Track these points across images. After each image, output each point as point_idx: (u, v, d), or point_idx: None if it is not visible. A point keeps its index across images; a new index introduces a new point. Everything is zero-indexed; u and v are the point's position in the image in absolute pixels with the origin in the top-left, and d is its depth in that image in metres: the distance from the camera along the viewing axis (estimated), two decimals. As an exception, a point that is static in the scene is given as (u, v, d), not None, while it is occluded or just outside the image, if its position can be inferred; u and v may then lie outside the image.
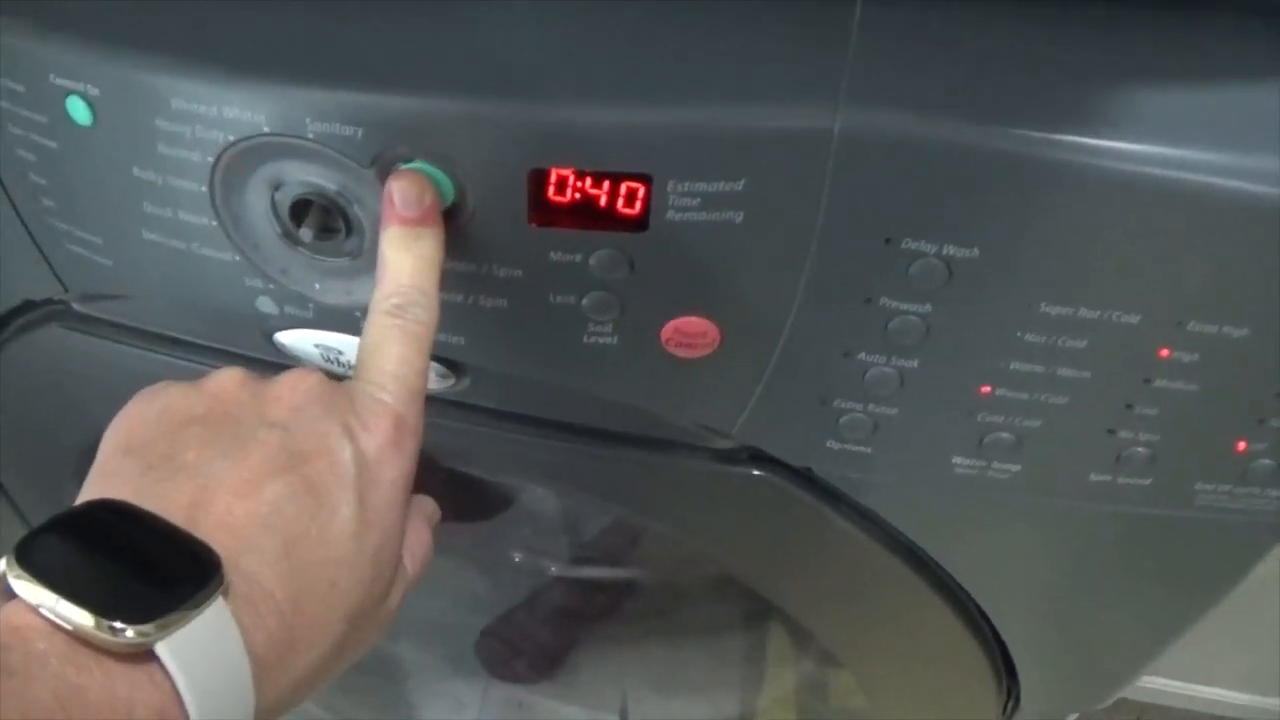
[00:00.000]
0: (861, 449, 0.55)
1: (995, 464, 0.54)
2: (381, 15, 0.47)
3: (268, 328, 0.57)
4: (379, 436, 0.44)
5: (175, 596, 0.35)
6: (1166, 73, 0.45)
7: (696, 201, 0.46)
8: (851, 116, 0.44)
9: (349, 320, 0.54)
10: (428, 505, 0.51)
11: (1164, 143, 0.43)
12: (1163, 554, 0.61)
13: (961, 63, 0.45)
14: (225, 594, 0.37)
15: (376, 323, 0.46)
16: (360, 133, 0.46)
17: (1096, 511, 0.57)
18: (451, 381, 0.57)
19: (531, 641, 1.11)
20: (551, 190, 0.47)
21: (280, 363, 0.60)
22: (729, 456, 0.60)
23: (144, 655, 0.34)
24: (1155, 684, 1.16)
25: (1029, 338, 0.49)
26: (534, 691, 1.15)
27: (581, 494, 0.68)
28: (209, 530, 0.38)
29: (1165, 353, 0.49)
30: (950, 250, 0.47)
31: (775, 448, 0.58)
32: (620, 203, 0.47)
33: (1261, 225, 0.44)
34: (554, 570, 1.05)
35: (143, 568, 0.36)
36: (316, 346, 0.57)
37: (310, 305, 0.54)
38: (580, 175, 0.46)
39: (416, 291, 0.46)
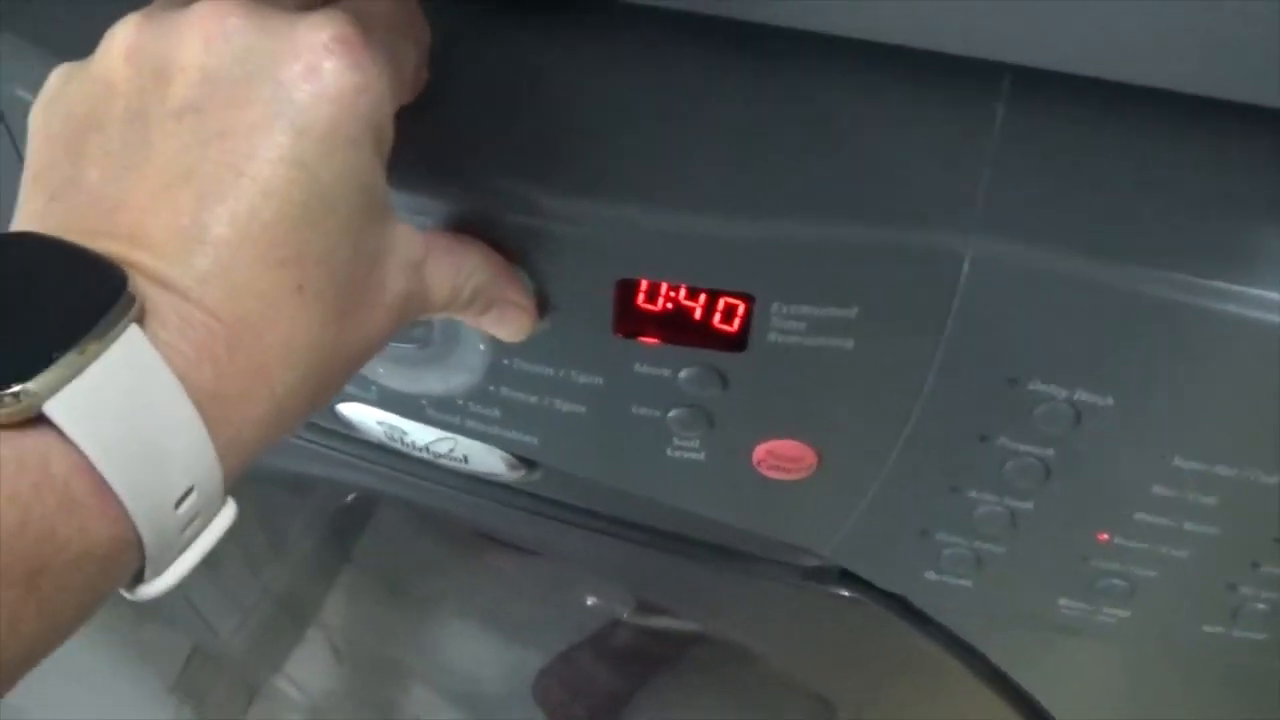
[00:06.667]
0: (962, 582, 0.50)
1: (1104, 609, 0.50)
2: (455, 104, 0.43)
3: (329, 401, 0.54)
4: (309, 58, 0.33)
5: (67, 337, 0.28)
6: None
7: (802, 326, 0.42)
8: (984, 244, 0.39)
9: (413, 406, 0.50)
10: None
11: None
12: (1269, 703, 0.56)
13: (1109, 189, 0.40)
14: (141, 321, 0.29)
15: None
16: (430, 224, 0.42)
17: (1204, 659, 0.53)
18: (523, 473, 0.53)
19: (592, 685, 1.07)
20: (641, 298, 0.43)
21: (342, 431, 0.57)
22: (817, 574, 0.56)
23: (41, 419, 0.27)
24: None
25: (1157, 490, 0.44)
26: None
27: (654, 597, 0.64)
28: (122, 254, 0.31)
29: (1300, 514, 0.44)
30: (1082, 396, 0.42)
31: (869, 573, 0.54)
32: (717, 319, 0.42)
33: None
34: (625, 616, 1.01)
35: (36, 313, 0.29)
36: (380, 424, 0.53)
37: (373, 387, 0.50)
38: (674, 286, 0.42)
39: None
